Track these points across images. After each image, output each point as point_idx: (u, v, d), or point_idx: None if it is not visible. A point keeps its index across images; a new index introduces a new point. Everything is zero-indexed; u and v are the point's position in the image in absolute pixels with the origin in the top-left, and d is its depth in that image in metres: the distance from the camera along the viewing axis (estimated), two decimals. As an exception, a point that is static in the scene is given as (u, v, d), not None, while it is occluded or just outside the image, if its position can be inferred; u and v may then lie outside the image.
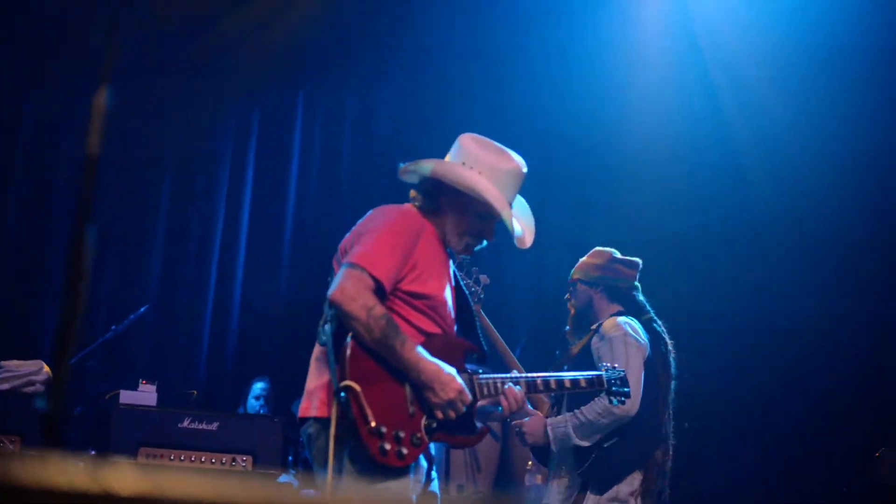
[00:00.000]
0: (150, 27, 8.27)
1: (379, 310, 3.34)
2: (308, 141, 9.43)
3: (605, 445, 4.88)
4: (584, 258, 5.38)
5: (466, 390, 3.50)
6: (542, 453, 5.45)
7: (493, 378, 3.79)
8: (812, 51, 8.69)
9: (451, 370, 3.48)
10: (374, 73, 9.69)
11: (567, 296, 5.40)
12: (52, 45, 8.37)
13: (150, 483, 0.93)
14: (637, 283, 5.32)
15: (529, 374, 3.95)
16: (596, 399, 4.76)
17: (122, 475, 0.93)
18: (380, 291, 3.40)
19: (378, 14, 9.29)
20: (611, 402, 4.38)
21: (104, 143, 1.63)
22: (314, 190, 9.29)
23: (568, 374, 4.04)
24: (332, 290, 3.36)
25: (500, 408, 3.96)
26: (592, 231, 9.15)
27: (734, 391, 8.91)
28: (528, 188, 3.74)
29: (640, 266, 5.36)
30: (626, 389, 4.31)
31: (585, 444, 4.90)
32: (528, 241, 3.90)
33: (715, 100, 9.14)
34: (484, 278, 4.22)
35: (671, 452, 5.13)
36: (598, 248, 5.40)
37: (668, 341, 5.24)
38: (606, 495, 4.87)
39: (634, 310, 5.24)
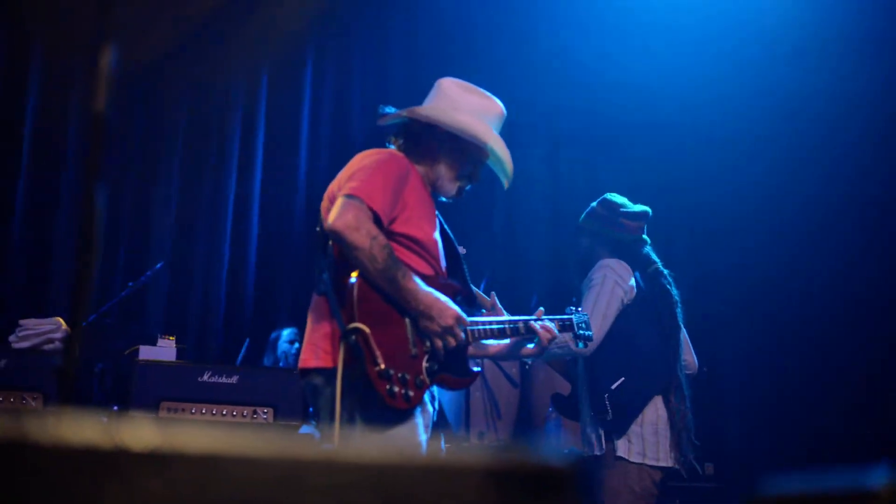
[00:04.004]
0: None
1: (382, 239, 3.32)
2: (318, 92, 9.39)
3: (613, 387, 4.91)
4: (593, 205, 5.38)
5: (464, 316, 3.51)
6: (565, 406, 5.48)
7: (482, 321, 3.82)
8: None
9: (448, 299, 3.49)
10: (382, 32, 9.65)
11: (573, 240, 5.44)
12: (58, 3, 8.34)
13: (165, 437, 0.93)
14: (644, 237, 5.30)
15: (510, 318, 3.96)
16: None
17: (137, 430, 0.93)
18: (377, 224, 3.37)
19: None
20: (577, 345, 4.46)
21: (116, 103, 1.62)
22: (326, 141, 9.28)
23: (544, 317, 4.06)
24: (333, 220, 3.29)
25: (533, 343, 4.01)
26: (607, 182, 9.18)
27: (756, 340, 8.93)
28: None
29: (650, 216, 5.32)
30: (589, 333, 4.38)
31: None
32: (510, 176, 3.96)
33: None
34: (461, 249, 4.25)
35: (688, 401, 5.13)
36: (607, 198, 5.37)
37: (675, 293, 5.23)
38: (630, 433, 4.91)
39: (638, 263, 5.23)
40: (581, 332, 4.34)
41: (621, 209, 5.29)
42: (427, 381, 3.46)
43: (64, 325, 6.18)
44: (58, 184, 8.34)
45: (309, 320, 3.62)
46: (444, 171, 3.80)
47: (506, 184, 4.02)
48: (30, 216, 8.28)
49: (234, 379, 5.85)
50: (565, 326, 4.26)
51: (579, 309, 4.46)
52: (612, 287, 5.00)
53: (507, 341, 4.12)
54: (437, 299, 3.44)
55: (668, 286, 5.23)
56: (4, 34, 8.39)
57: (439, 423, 3.79)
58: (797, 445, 8.59)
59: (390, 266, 3.32)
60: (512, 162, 3.87)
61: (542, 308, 4.10)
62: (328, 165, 9.09)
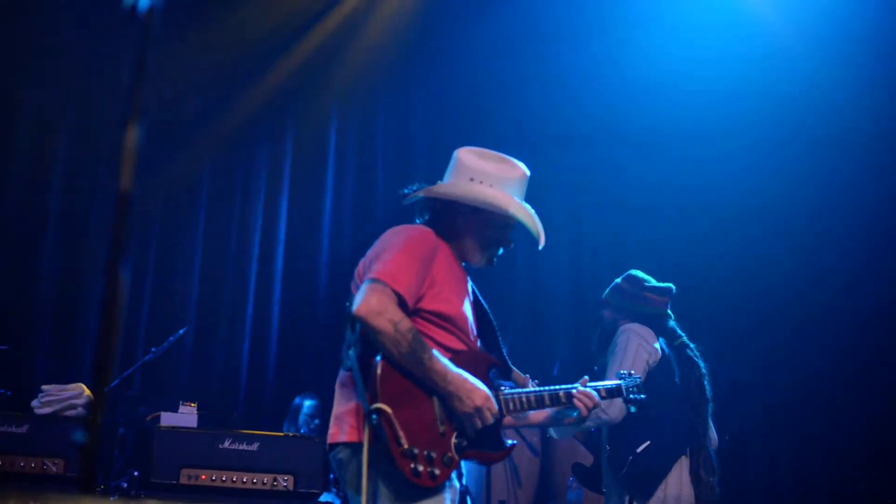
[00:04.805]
0: (181, 52, 8.39)
1: (406, 323, 3.32)
2: (341, 159, 9.47)
3: (639, 451, 4.88)
4: (617, 281, 5.40)
5: (493, 398, 3.49)
6: (587, 477, 5.45)
7: (519, 393, 3.79)
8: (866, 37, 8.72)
9: (476, 380, 3.48)
10: (405, 86, 9.74)
11: (597, 316, 5.45)
12: (84, 81, 8.50)
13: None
14: (668, 312, 5.31)
15: (551, 387, 3.93)
16: None
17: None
18: (402, 307, 3.38)
19: (408, 26, 9.38)
20: (628, 409, 4.41)
21: (139, 173, 1.65)
22: (349, 207, 9.33)
23: (589, 385, 4.03)
24: (357, 306, 3.31)
25: (575, 412, 3.96)
26: (631, 246, 9.19)
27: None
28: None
29: (673, 292, 5.35)
30: (642, 396, 4.32)
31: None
32: (542, 240, 3.91)
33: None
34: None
35: (717, 477, 5.08)
36: (632, 273, 5.41)
37: (702, 366, 5.22)
38: (653, 500, 4.87)
39: (664, 336, 5.23)
40: (632, 396, 4.30)
41: (646, 283, 5.32)
42: (455, 458, 3.44)
43: (86, 392, 6.20)
44: (82, 253, 8.43)
45: (336, 394, 3.62)
46: (470, 244, 3.80)
47: (539, 244, 3.98)
48: (54, 283, 8.37)
49: (254, 446, 5.85)
50: (612, 392, 4.22)
51: (631, 372, 4.43)
52: (635, 349, 5.01)
53: (546, 411, 4.07)
54: (466, 380, 3.43)
55: (695, 359, 5.22)
56: (33, 109, 8.55)
57: (465, 497, 3.77)
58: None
59: (416, 349, 3.32)
60: (539, 223, 3.86)
61: (586, 377, 4.08)
62: (351, 232, 9.15)
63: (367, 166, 9.47)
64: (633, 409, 4.42)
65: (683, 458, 5.00)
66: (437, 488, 3.38)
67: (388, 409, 3.27)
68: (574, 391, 3.93)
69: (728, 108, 9.06)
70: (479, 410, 3.42)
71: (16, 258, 8.31)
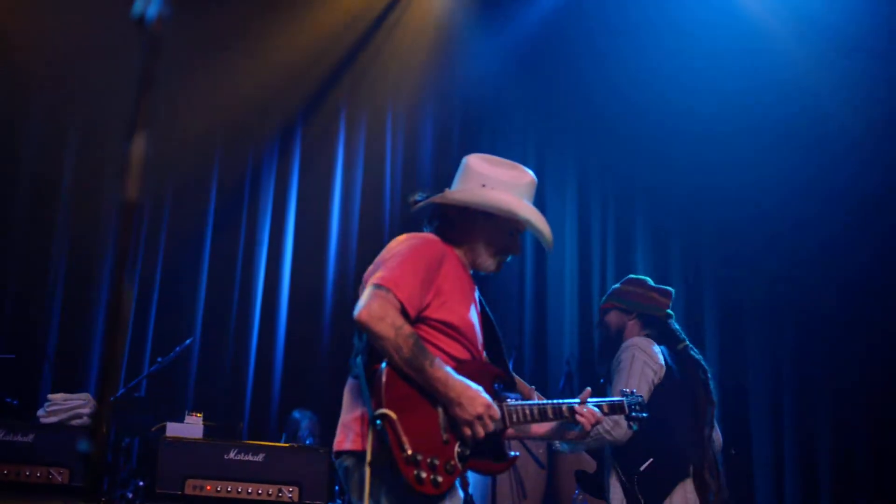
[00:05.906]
0: (189, 51, 8.42)
1: (407, 329, 3.31)
2: (350, 174, 9.47)
3: (642, 469, 4.86)
4: (617, 286, 5.40)
5: (494, 405, 3.48)
6: (589, 483, 5.43)
7: (523, 405, 3.78)
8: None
9: (478, 387, 3.47)
10: (418, 89, 9.75)
11: (598, 322, 5.44)
12: (93, 90, 8.54)
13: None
14: (671, 311, 5.31)
15: (555, 401, 3.92)
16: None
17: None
18: (404, 314, 3.38)
19: (420, 26, 9.42)
20: (630, 426, 4.37)
21: (145, 184, 1.66)
22: (357, 219, 9.32)
23: (592, 400, 4.02)
24: (359, 311, 3.30)
25: (577, 426, 3.95)
26: (635, 257, 9.18)
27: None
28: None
29: (674, 295, 5.35)
30: (644, 415, 4.30)
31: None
32: (551, 246, 3.92)
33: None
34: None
35: (722, 478, 5.07)
36: (632, 276, 5.42)
37: (706, 368, 5.21)
38: None
39: (668, 338, 5.21)
40: (635, 413, 4.27)
41: (649, 284, 5.32)
42: (458, 466, 3.42)
43: (92, 401, 6.21)
44: (89, 263, 8.45)
45: (344, 402, 3.61)
46: (482, 250, 3.79)
47: (547, 248, 3.98)
48: (61, 294, 8.39)
49: (259, 457, 5.85)
50: (615, 408, 4.19)
51: (633, 391, 4.41)
52: (641, 367, 4.97)
53: (549, 423, 4.06)
54: (468, 387, 3.41)
55: (699, 361, 5.21)
56: (40, 122, 8.60)
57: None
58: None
59: (417, 355, 3.31)
60: (549, 228, 3.86)
61: (589, 388, 4.06)
62: (358, 243, 9.14)
63: (375, 184, 9.47)
64: (635, 428, 4.39)
65: (688, 476, 4.97)
66: (439, 496, 3.37)
67: (393, 415, 3.26)
68: (577, 406, 3.92)
69: (728, 103, 9.08)
70: (480, 418, 3.40)
71: (23, 268, 8.34)
